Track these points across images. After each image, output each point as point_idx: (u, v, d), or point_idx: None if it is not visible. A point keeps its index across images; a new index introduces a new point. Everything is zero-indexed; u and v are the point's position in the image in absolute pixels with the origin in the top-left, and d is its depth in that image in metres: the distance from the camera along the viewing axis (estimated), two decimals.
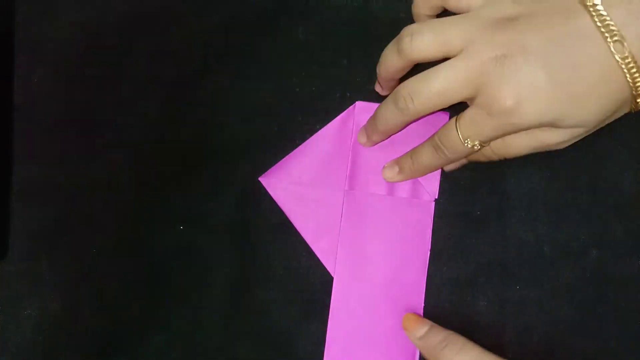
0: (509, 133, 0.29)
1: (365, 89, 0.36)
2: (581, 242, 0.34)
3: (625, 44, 0.26)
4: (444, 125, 0.31)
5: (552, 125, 0.29)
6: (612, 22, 0.26)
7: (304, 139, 0.36)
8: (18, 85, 0.38)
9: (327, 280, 0.36)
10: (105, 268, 0.37)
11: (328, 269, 0.35)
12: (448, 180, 0.35)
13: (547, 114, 0.28)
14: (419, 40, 0.29)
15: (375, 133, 0.34)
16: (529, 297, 0.34)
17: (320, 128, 0.36)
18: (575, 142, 0.33)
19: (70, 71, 0.38)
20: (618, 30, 0.26)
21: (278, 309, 0.36)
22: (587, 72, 0.27)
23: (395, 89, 0.31)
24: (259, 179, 0.36)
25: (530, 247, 0.34)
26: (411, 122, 0.32)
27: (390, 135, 0.35)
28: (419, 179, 0.35)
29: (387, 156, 0.35)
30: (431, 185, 0.35)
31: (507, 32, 0.28)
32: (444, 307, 0.35)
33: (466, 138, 0.30)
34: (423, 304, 0.35)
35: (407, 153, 0.34)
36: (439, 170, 0.35)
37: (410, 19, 0.36)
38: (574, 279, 0.34)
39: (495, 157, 0.32)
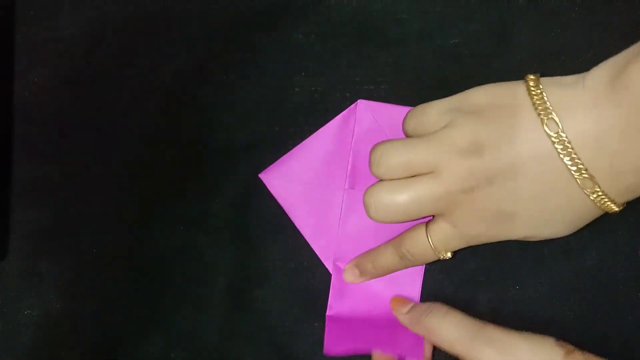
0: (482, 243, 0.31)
1: (365, 89, 0.36)
2: (581, 242, 0.34)
3: (594, 178, 0.27)
4: (411, 232, 0.32)
5: (525, 239, 0.31)
6: (576, 156, 0.27)
7: (304, 138, 0.36)
8: (18, 85, 0.38)
9: (327, 280, 0.36)
10: (105, 268, 0.37)
11: (327, 267, 0.35)
12: None
13: (517, 235, 0.30)
14: (386, 159, 0.30)
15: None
16: (528, 297, 0.34)
17: (320, 128, 0.36)
18: None
19: (70, 71, 0.38)
20: (584, 166, 0.27)
21: (278, 309, 0.36)
22: (553, 201, 0.28)
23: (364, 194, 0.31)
24: (259, 175, 0.36)
25: (530, 247, 0.34)
26: None
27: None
28: None
29: None
30: None
31: (472, 162, 0.28)
32: None
33: (437, 249, 0.31)
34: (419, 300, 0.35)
35: (367, 255, 0.35)
36: None
37: (410, 19, 0.36)
38: (574, 279, 0.34)
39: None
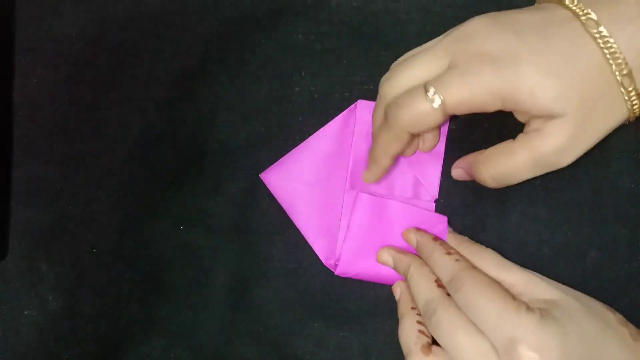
0: (479, 96, 0.27)
1: (365, 89, 0.36)
2: (581, 242, 0.34)
3: (634, 75, 0.26)
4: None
5: (525, 100, 0.27)
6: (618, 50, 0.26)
7: (304, 138, 0.36)
8: (18, 85, 0.38)
9: (327, 280, 0.36)
10: (105, 268, 0.37)
11: (327, 265, 0.35)
12: (448, 180, 0.35)
13: (517, 79, 0.27)
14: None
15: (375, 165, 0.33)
16: None
17: (320, 128, 0.36)
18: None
19: (70, 71, 0.38)
20: (624, 58, 0.26)
21: (278, 309, 0.36)
22: (590, 84, 0.27)
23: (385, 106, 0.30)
24: (260, 175, 0.36)
25: (530, 248, 0.34)
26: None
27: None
28: (419, 179, 0.35)
29: None
30: (431, 185, 0.35)
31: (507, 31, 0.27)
32: None
33: (430, 89, 0.27)
34: None
35: None
36: (439, 171, 0.35)
37: (410, 19, 0.36)
38: (574, 279, 0.34)
39: (493, 184, 0.31)
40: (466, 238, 0.33)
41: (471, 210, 0.35)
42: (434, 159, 0.35)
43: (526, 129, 0.29)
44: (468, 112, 0.28)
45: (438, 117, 0.28)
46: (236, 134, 0.37)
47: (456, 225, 0.35)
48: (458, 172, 0.34)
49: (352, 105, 0.36)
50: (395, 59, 0.34)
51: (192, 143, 0.37)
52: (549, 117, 0.27)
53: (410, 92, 0.28)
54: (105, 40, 0.38)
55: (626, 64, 0.26)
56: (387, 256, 0.34)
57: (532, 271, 0.31)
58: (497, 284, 0.29)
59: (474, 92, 0.27)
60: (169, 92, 0.38)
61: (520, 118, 0.30)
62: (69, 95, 0.38)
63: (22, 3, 0.39)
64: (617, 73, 0.27)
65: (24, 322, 0.37)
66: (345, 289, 0.36)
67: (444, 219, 0.34)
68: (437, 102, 0.27)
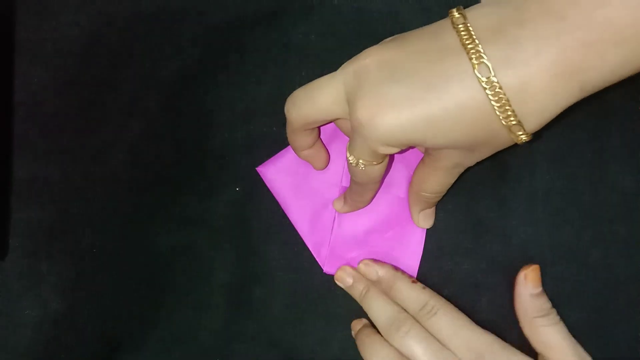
0: (376, 150, 0.27)
1: None
2: (582, 242, 0.34)
3: (492, 71, 0.24)
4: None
5: (416, 144, 0.28)
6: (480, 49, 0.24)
7: None
8: (18, 85, 0.38)
9: (327, 279, 0.36)
10: (105, 268, 0.37)
11: (319, 262, 0.35)
12: None
13: (402, 132, 0.26)
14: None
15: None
16: None
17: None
18: (575, 143, 0.33)
19: (70, 71, 0.38)
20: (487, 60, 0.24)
21: (278, 308, 0.36)
22: (447, 95, 0.25)
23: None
24: (257, 168, 0.36)
25: (531, 248, 0.34)
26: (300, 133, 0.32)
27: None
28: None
29: None
30: None
31: (368, 52, 0.27)
32: None
33: (350, 155, 0.29)
34: None
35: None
36: None
37: (410, 19, 0.36)
38: (575, 279, 0.34)
39: (435, 198, 0.33)
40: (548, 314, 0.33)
41: (471, 211, 0.35)
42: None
43: (425, 152, 0.31)
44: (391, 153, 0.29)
45: (377, 166, 0.30)
46: (236, 134, 0.37)
47: (456, 226, 0.35)
48: (422, 217, 0.35)
49: None
50: None
51: (192, 143, 0.37)
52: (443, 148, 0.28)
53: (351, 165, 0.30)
54: (105, 40, 0.38)
55: (515, 115, 0.25)
56: (345, 276, 0.35)
57: (584, 355, 0.31)
58: (465, 317, 0.32)
59: (383, 150, 0.28)
60: (169, 92, 0.38)
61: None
62: (69, 95, 0.38)
63: (22, 3, 0.39)
64: (504, 123, 0.25)
65: (24, 322, 0.37)
66: None
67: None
68: (361, 166, 0.29)
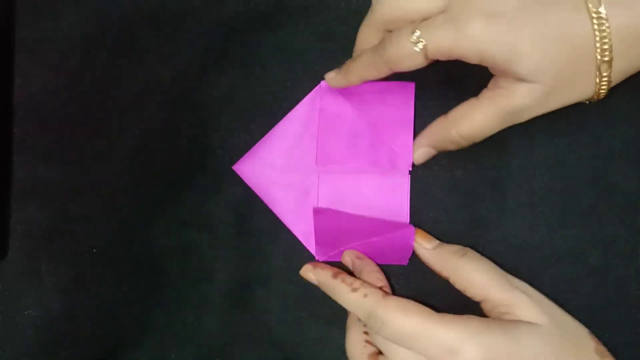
0: (461, 48, 0.28)
1: None
2: (581, 243, 0.34)
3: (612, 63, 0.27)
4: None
5: (501, 61, 0.27)
6: None
7: None
8: (18, 85, 0.38)
9: None
10: (105, 268, 0.37)
11: (310, 251, 0.35)
12: (448, 180, 0.35)
13: (497, 39, 0.27)
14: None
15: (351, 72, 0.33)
16: None
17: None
18: (575, 144, 0.33)
19: (70, 71, 0.38)
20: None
21: (279, 308, 0.36)
22: (555, 15, 0.27)
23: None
24: (233, 167, 0.36)
25: (531, 248, 0.34)
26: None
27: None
28: (394, 147, 0.34)
29: (353, 132, 0.35)
30: (406, 153, 0.34)
31: None
32: (444, 308, 0.34)
33: (416, 32, 0.28)
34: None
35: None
36: (411, 138, 0.34)
37: None
38: (575, 279, 0.34)
39: (463, 142, 0.31)
40: (455, 248, 0.32)
41: (471, 211, 0.35)
42: (404, 126, 0.34)
43: (492, 85, 0.30)
44: (449, 59, 0.29)
45: (420, 60, 0.29)
46: (236, 134, 0.37)
47: (456, 227, 0.35)
48: (421, 152, 0.33)
49: (317, 87, 0.36)
50: None
51: (192, 143, 0.37)
52: (521, 80, 0.28)
53: (398, 31, 0.29)
54: (105, 40, 0.38)
55: (611, 51, 0.26)
56: (310, 275, 0.34)
57: (522, 287, 0.31)
58: (414, 304, 0.29)
59: (458, 44, 0.27)
60: (169, 92, 0.38)
61: (492, 72, 0.30)
62: (69, 95, 0.38)
63: (22, 3, 0.39)
64: (599, 57, 0.27)
65: (24, 322, 0.37)
66: None
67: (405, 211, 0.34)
68: (419, 46, 0.28)
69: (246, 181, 0.36)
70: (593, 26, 0.26)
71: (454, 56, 0.28)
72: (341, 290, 0.31)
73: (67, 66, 0.38)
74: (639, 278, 0.34)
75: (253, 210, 0.36)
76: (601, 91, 0.28)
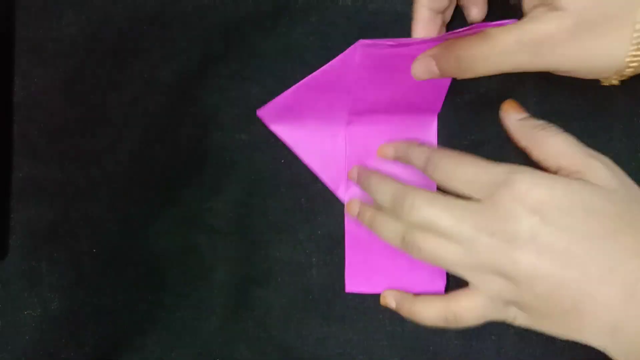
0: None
1: None
2: None
3: None
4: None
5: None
6: None
7: None
8: (18, 85, 0.38)
9: (328, 280, 0.36)
10: (105, 268, 0.37)
11: (337, 196, 0.35)
12: None
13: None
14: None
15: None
16: None
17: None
18: None
19: (70, 71, 0.38)
20: None
21: (279, 308, 0.36)
22: (607, 4, 0.27)
23: None
24: (257, 112, 0.36)
25: None
26: None
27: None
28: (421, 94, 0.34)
29: (386, 93, 0.35)
30: (435, 99, 0.34)
31: None
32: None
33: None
34: None
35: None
36: (445, 85, 0.34)
37: (410, 18, 0.36)
38: None
39: (474, 66, 0.30)
40: (537, 122, 0.31)
41: None
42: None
43: (521, 20, 0.29)
44: None
45: None
46: (236, 134, 0.37)
47: None
48: (419, 66, 0.32)
49: (352, 47, 0.33)
50: None
51: (193, 143, 0.37)
52: (553, 8, 0.28)
53: None
54: (105, 40, 0.38)
55: None
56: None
57: (599, 156, 0.30)
58: (471, 155, 0.30)
59: None
60: (169, 92, 0.38)
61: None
62: (69, 95, 0.38)
63: (22, 3, 0.39)
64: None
65: (24, 322, 0.37)
66: None
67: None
68: None
69: (271, 127, 0.36)
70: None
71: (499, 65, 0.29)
72: (414, 144, 0.33)
73: (67, 66, 0.38)
74: None
75: (253, 210, 0.36)
76: (632, 62, 0.28)
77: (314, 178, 0.36)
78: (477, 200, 0.28)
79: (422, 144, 0.33)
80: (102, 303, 0.37)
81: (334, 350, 0.35)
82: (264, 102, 0.37)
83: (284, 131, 0.36)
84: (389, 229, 0.31)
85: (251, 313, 0.36)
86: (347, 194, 0.35)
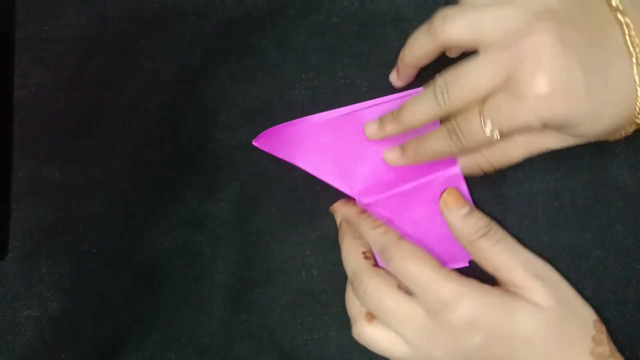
0: (529, 126, 0.28)
1: (364, 90, 0.36)
2: (582, 243, 0.34)
3: None
4: (465, 112, 0.30)
5: (566, 128, 0.29)
6: None
7: None
8: (18, 85, 0.38)
9: (328, 280, 0.36)
10: (105, 268, 0.37)
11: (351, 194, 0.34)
12: None
13: (573, 114, 0.28)
14: (452, 24, 0.29)
15: (396, 123, 0.32)
16: None
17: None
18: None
19: (70, 71, 0.38)
20: None
21: (278, 308, 0.36)
22: (615, 85, 0.28)
23: (434, 81, 0.30)
24: (253, 142, 0.34)
25: (530, 249, 0.34)
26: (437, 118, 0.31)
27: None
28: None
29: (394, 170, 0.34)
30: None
31: (547, 22, 0.27)
32: None
33: (487, 121, 0.29)
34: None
35: (413, 139, 0.32)
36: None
37: (410, 18, 0.36)
38: (576, 280, 0.34)
39: (491, 168, 0.33)
40: (477, 226, 0.31)
41: None
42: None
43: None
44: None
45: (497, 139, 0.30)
46: (236, 134, 0.37)
47: None
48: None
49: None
50: (396, 59, 0.34)
51: (193, 143, 0.37)
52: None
53: (467, 123, 0.30)
54: (105, 40, 0.38)
55: None
56: (342, 210, 0.35)
57: (538, 271, 0.31)
58: (426, 253, 0.31)
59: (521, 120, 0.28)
60: (169, 92, 0.38)
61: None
62: (69, 95, 0.38)
63: (22, 3, 0.39)
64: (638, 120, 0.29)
65: (24, 322, 0.37)
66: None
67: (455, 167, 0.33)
68: (496, 133, 0.29)
69: (271, 152, 0.34)
70: (637, 92, 0.28)
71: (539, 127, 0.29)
72: (365, 226, 0.33)
73: (67, 66, 0.38)
74: (639, 278, 0.34)
75: (253, 210, 0.36)
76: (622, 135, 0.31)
77: (313, 178, 0.36)
78: (421, 305, 0.30)
79: (377, 223, 0.33)
80: (102, 303, 0.37)
81: (334, 350, 0.35)
82: (264, 102, 0.37)
83: (285, 156, 0.35)
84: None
85: (251, 313, 0.36)
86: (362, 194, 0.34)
